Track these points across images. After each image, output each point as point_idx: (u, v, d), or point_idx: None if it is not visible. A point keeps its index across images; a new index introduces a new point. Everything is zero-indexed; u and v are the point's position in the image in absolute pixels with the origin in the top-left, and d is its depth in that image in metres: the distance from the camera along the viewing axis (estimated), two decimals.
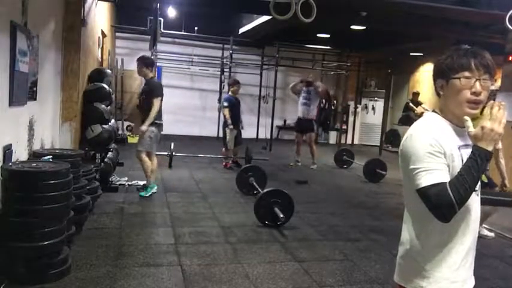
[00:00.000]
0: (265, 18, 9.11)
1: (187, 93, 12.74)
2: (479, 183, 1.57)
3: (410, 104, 11.94)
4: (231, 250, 4.15)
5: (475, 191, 1.52)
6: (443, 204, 1.45)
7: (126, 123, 11.61)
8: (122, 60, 11.56)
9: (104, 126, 5.80)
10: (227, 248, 4.19)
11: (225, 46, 12.45)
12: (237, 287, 3.40)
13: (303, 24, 5.52)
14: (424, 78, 12.83)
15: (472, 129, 1.51)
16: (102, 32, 8.39)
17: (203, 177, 7.44)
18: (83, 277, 3.32)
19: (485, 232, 4.89)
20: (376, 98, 13.84)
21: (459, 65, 1.57)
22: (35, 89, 4.13)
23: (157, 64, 11.51)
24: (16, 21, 3.48)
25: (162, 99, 5.79)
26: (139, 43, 11.90)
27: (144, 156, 5.84)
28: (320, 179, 8.07)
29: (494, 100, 1.76)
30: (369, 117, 14.11)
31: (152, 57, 10.61)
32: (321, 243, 4.54)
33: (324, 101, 13.88)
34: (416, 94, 12.13)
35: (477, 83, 1.56)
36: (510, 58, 7.79)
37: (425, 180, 1.50)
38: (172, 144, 8.24)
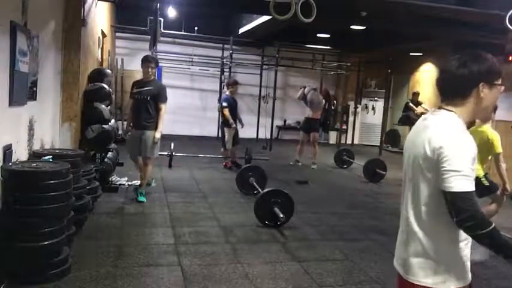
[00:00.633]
0: (265, 18, 9.11)
1: (187, 93, 12.74)
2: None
3: (410, 104, 11.93)
4: (231, 250, 4.15)
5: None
6: (474, 216, 1.52)
7: (126, 123, 11.59)
8: (122, 60, 11.56)
9: (104, 126, 5.80)
10: (227, 248, 4.19)
11: (225, 46, 12.45)
12: (237, 287, 3.40)
13: (303, 24, 5.52)
14: (424, 78, 12.82)
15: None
16: (102, 32, 8.39)
17: (203, 177, 7.44)
18: (83, 277, 3.32)
19: None
20: (376, 98, 13.84)
21: (499, 72, 1.67)
22: (35, 89, 4.13)
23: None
24: (16, 21, 3.48)
25: None
26: (139, 43, 11.90)
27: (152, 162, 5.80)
28: (320, 179, 8.07)
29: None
30: (369, 117, 14.11)
31: None
32: (321, 243, 4.54)
33: (324, 101, 13.92)
34: (416, 94, 12.12)
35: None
36: (510, 58, 7.79)
37: (464, 185, 1.54)
38: (172, 144, 8.24)
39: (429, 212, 1.67)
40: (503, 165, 4.57)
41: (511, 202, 5.62)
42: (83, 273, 3.38)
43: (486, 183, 4.52)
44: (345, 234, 4.93)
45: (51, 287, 3.12)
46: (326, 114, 14.02)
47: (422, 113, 11.54)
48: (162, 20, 9.22)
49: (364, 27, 9.01)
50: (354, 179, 8.26)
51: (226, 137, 8.11)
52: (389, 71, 12.36)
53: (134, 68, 12.45)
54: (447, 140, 1.61)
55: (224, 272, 3.63)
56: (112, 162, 6.31)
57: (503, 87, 1.68)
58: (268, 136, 11.63)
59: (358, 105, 13.76)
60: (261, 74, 12.57)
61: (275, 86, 11.85)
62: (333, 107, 14.18)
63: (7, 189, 3.13)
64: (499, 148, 4.46)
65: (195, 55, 12.42)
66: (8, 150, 3.42)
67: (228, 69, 11.76)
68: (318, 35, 11.37)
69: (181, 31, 11.62)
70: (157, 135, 5.46)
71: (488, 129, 4.51)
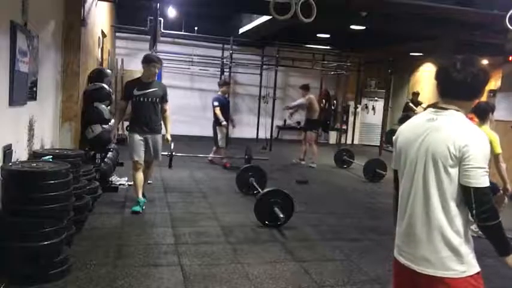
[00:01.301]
0: (265, 18, 9.11)
1: (187, 93, 12.74)
2: None
3: (410, 104, 11.94)
4: (231, 250, 4.15)
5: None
6: (491, 209, 1.69)
7: (126, 123, 11.60)
8: (122, 60, 11.56)
9: (104, 126, 5.79)
10: (227, 248, 4.19)
11: (225, 46, 12.45)
12: (237, 287, 3.40)
13: (303, 24, 5.51)
14: (424, 78, 12.83)
15: None
16: (102, 32, 8.39)
17: (203, 177, 7.44)
18: (83, 277, 3.32)
19: None
20: (376, 98, 13.84)
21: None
22: (35, 89, 4.12)
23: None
24: (16, 21, 3.48)
25: None
26: (139, 43, 11.91)
27: None
28: (320, 179, 8.07)
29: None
30: (369, 117, 14.11)
31: None
32: (321, 243, 4.54)
33: (324, 101, 13.93)
34: (416, 94, 12.13)
35: None
36: (510, 58, 7.79)
37: (487, 181, 1.70)
38: (172, 144, 8.23)
39: (453, 207, 1.76)
40: (503, 166, 4.58)
41: (511, 202, 5.61)
42: (83, 273, 3.38)
43: None
44: (345, 234, 4.93)
45: (51, 287, 3.12)
46: (326, 114, 14.05)
47: None
48: (162, 20, 9.22)
49: (364, 27, 9.01)
50: (354, 179, 8.26)
51: (219, 135, 8.17)
52: (389, 71, 12.36)
53: (134, 68, 12.46)
54: (471, 138, 1.72)
55: (224, 272, 3.63)
56: (112, 162, 6.31)
57: None
58: (268, 136, 11.63)
59: (358, 105, 13.76)
60: (261, 74, 12.58)
61: (275, 86, 11.86)
62: (333, 107, 14.19)
63: (7, 189, 3.13)
64: (498, 149, 4.47)
65: (195, 55, 12.43)
66: (8, 150, 3.42)
67: (228, 69, 11.76)
68: (318, 35, 11.37)
69: (181, 31, 11.62)
70: (169, 136, 5.35)
71: (487, 129, 4.52)
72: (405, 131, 1.94)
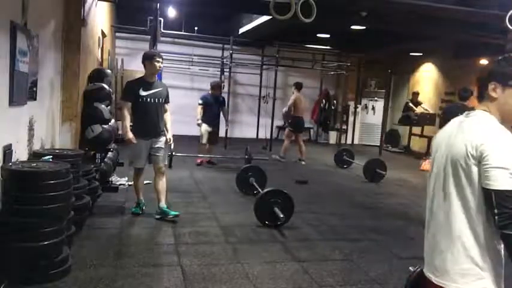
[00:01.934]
0: (265, 18, 9.11)
1: (187, 93, 12.73)
2: None
3: (410, 104, 11.94)
4: (231, 250, 4.15)
5: None
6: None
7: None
8: (122, 60, 11.55)
9: (104, 126, 5.79)
10: (227, 248, 4.19)
11: (225, 46, 12.45)
12: (237, 287, 3.40)
13: (303, 24, 5.51)
14: (424, 78, 12.83)
15: None
16: (102, 32, 8.39)
17: (203, 177, 7.44)
18: (83, 277, 3.32)
19: None
20: (376, 98, 13.84)
21: None
22: (35, 89, 4.12)
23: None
24: (16, 21, 3.48)
25: None
26: (139, 43, 11.90)
27: None
28: (320, 179, 8.07)
29: None
30: (369, 117, 14.11)
31: None
32: (321, 243, 4.54)
33: (324, 101, 13.94)
34: (416, 94, 12.13)
35: None
36: None
37: (509, 183, 1.52)
38: (173, 145, 8.23)
39: (475, 215, 1.63)
40: None
41: None
42: (83, 273, 3.38)
43: None
44: (345, 234, 4.93)
45: (51, 287, 3.12)
46: (326, 114, 14.06)
47: (422, 113, 11.59)
48: (162, 20, 9.22)
49: (364, 27, 9.01)
50: (354, 179, 8.26)
51: (200, 132, 8.33)
52: (389, 71, 12.36)
53: (134, 68, 12.47)
54: (490, 136, 1.59)
55: (224, 272, 3.63)
56: (112, 162, 6.30)
57: None
58: (268, 136, 11.62)
59: (358, 105, 13.75)
60: (261, 74, 12.57)
61: (275, 86, 11.85)
62: (333, 107, 14.18)
63: (7, 189, 3.13)
64: None
65: (195, 55, 12.43)
66: (8, 150, 3.41)
67: (228, 69, 11.76)
68: (318, 35, 11.37)
69: (181, 31, 11.62)
70: (171, 137, 5.11)
71: None
72: (438, 135, 1.86)
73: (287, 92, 13.68)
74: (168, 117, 5.12)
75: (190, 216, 5.15)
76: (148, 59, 4.84)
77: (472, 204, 1.62)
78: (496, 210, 1.52)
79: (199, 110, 8.32)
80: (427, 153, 11.08)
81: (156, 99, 4.84)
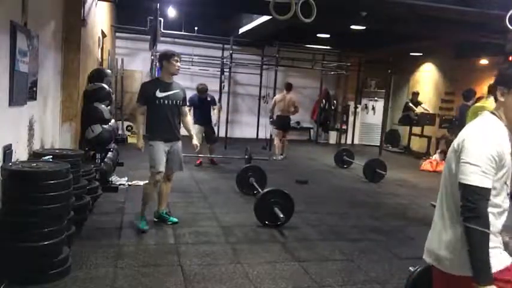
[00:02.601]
0: (265, 18, 9.11)
1: (188, 93, 12.65)
2: None
3: (410, 104, 11.93)
4: (231, 250, 4.15)
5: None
6: (477, 211, 1.60)
7: (126, 123, 11.61)
8: (122, 60, 11.55)
9: (104, 126, 5.79)
10: (227, 248, 4.19)
11: (225, 46, 12.44)
12: (237, 287, 3.40)
13: (303, 24, 5.51)
14: (424, 78, 12.84)
15: None
16: (102, 32, 8.39)
17: (203, 177, 7.44)
18: (83, 277, 3.32)
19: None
20: (376, 98, 13.84)
21: None
22: (35, 89, 4.12)
23: (157, 64, 11.50)
24: (16, 21, 3.48)
25: None
26: (139, 43, 11.91)
27: None
28: (320, 179, 8.07)
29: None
30: (369, 117, 14.11)
31: (152, 57, 10.66)
32: (321, 243, 4.54)
33: (324, 101, 13.94)
34: (416, 94, 12.12)
35: None
36: (510, 58, 7.79)
37: (478, 180, 1.62)
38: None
39: (456, 205, 1.72)
40: None
41: None
42: (83, 273, 3.38)
43: None
44: (345, 234, 4.92)
45: (51, 287, 3.12)
46: (326, 114, 14.06)
47: (422, 113, 11.59)
48: (162, 20, 9.22)
49: (364, 27, 9.01)
50: (354, 179, 8.26)
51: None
52: (389, 71, 12.36)
53: (134, 68, 12.50)
54: (471, 133, 1.70)
55: (224, 272, 3.63)
56: (112, 162, 6.31)
57: None
58: (268, 136, 11.62)
59: (358, 105, 13.76)
60: (261, 74, 12.57)
61: (275, 86, 11.85)
62: (333, 107, 14.18)
63: (7, 189, 3.13)
64: None
65: (195, 55, 12.42)
66: (8, 150, 3.42)
67: (228, 69, 11.75)
68: (318, 35, 11.37)
69: (181, 31, 11.61)
70: (196, 141, 5.01)
71: (491, 105, 4.61)
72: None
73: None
74: (189, 121, 5.02)
75: (190, 216, 5.15)
76: (166, 58, 4.59)
77: (449, 197, 1.75)
78: (461, 203, 1.63)
79: (186, 110, 8.32)
80: (427, 153, 11.09)
81: (173, 101, 4.61)
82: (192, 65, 12.52)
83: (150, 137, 4.55)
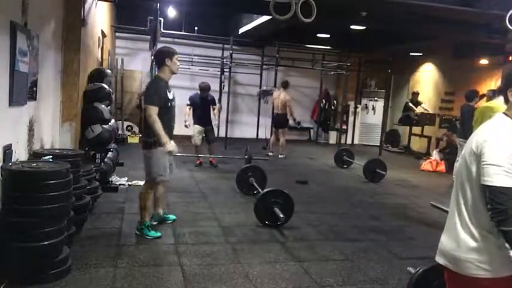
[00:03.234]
0: (265, 18, 9.11)
1: (187, 93, 12.69)
2: None
3: (410, 104, 11.93)
4: (231, 250, 4.15)
5: None
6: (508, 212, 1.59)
7: (126, 123, 11.61)
8: (122, 60, 11.55)
9: (104, 126, 5.80)
10: (227, 248, 4.19)
11: (225, 46, 12.44)
12: (237, 287, 3.40)
13: (303, 24, 5.51)
14: (424, 78, 12.83)
15: None
16: (102, 32, 8.39)
17: (203, 177, 7.44)
18: (83, 277, 3.32)
19: None
20: (376, 98, 13.84)
21: None
22: (35, 89, 4.13)
23: (157, 61, 11.50)
24: (16, 21, 3.48)
25: None
26: (139, 43, 11.91)
27: None
28: (320, 179, 8.07)
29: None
30: (369, 117, 14.11)
31: (152, 57, 10.65)
32: (321, 243, 4.54)
33: (324, 101, 13.94)
34: (416, 94, 12.12)
35: None
36: (510, 58, 7.79)
37: (503, 180, 1.61)
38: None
39: (476, 209, 1.72)
40: None
41: None
42: (83, 273, 3.38)
43: None
44: (345, 234, 4.92)
45: (51, 287, 3.12)
46: (326, 114, 14.05)
47: (422, 113, 11.59)
48: (162, 20, 9.22)
49: (364, 27, 9.01)
50: (354, 179, 8.26)
51: (192, 133, 8.35)
52: (389, 71, 12.36)
53: (134, 68, 12.49)
54: (491, 134, 1.69)
55: (224, 272, 3.63)
56: (112, 162, 6.31)
57: None
58: (268, 136, 11.62)
59: (358, 105, 13.76)
60: (261, 74, 12.57)
61: (275, 86, 11.85)
62: (332, 107, 14.18)
63: (7, 189, 3.13)
64: None
65: (195, 55, 12.42)
66: (8, 150, 3.42)
67: (228, 69, 11.75)
68: (318, 35, 11.37)
69: (181, 31, 11.61)
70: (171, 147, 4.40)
71: (498, 105, 4.67)
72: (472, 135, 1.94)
73: (287, 92, 13.67)
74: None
75: (190, 216, 5.16)
76: (169, 56, 4.25)
77: (469, 200, 1.73)
78: (489, 206, 1.62)
79: (186, 110, 8.33)
80: (427, 153, 11.08)
81: (175, 103, 4.36)
82: (192, 65, 12.53)
83: (155, 143, 4.16)
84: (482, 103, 6.45)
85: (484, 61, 10.25)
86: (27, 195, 3.11)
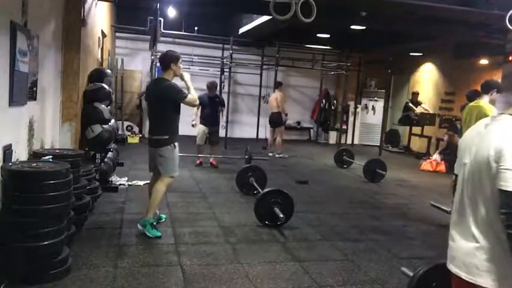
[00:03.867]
0: (265, 18, 9.12)
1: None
2: None
3: (410, 104, 11.93)
4: (231, 250, 4.15)
5: None
6: None
7: (126, 123, 11.61)
8: (122, 60, 11.55)
9: (104, 126, 5.79)
10: (227, 248, 4.19)
11: (225, 46, 12.44)
12: (237, 287, 3.40)
13: (303, 24, 5.52)
14: (424, 78, 12.83)
15: None
16: (102, 32, 8.39)
17: (203, 177, 7.44)
18: (83, 277, 3.32)
19: None
20: (376, 98, 13.84)
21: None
22: (35, 89, 4.13)
23: (157, 64, 11.49)
24: (16, 21, 3.48)
25: None
26: (139, 43, 11.92)
27: None
28: (320, 179, 8.07)
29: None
30: (369, 117, 14.11)
31: (152, 57, 10.66)
32: (321, 243, 4.54)
33: (324, 101, 13.94)
34: (415, 94, 12.12)
35: None
36: (510, 58, 7.80)
37: None
38: None
39: (491, 215, 1.67)
40: None
41: None
42: (83, 273, 3.38)
43: None
44: (345, 234, 4.92)
45: (51, 287, 3.12)
46: (326, 114, 14.06)
47: (422, 113, 11.59)
48: (162, 20, 9.22)
49: (364, 27, 9.02)
50: (354, 179, 8.26)
51: (197, 132, 8.38)
52: (389, 71, 12.36)
53: (134, 68, 12.50)
54: (508, 140, 1.64)
55: (224, 272, 3.63)
56: (112, 162, 6.31)
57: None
58: (268, 136, 11.62)
59: (358, 105, 13.76)
60: (261, 74, 12.58)
61: (275, 86, 11.85)
62: (332, 107, 14.19)
63: (7, 189, 3.13)
64: None
65: (195, 55, 12.42)
66: (8, 150, 3.42)
67: (228, 69, 11.75)
68: (318, 35, 11.37)
69: (181, 31, 11.62)
70: None
71: (486, 104, 4.76)
72: (466, 137, 1.90)
73: (287, 92, 13.67)
74: None
75: (190, 216, 5.16)
76: (175, 61, 4.61)
77: (491, 204, 1.66)
78: (502, 210, 1.58)
79: (194, 110, 8.28)
80: (427, 153, 11.08)
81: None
82: (192, 65, 12.52)
83: (171, 140, 4.41)
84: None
85: (484, 61, 10.25)
86: (27, 195, 3.11)
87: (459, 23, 7.37)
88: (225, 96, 12.12)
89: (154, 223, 4.56)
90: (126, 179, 6.58)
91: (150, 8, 8.88)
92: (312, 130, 14.53)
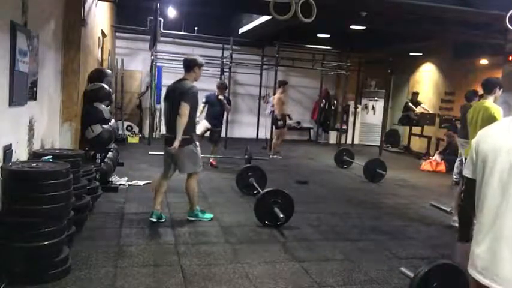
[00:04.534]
0: (265, 18, 9.11)
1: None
2: None
3: (410, 104, 11.93)
4: (231, 250, 4.15)
5: None
6: None
7: (126, 123, 11.61)
8: (122, 60, 11.55)
9: (104, 126, 5.79)
10: (227, 248, 4.19)
11: (225, 46, 12.44)
12: (237, 287, 3.40)
13: (303, 24, 5.51)
14: (424, 78, 12.83)
15: None
16: (102, 32, 8.39)
17: (203, 177, 7.42)
18: (83, 277, 3.32)
19: None
20: (376, 98, 13.84)
21: None
22: (35, 89, 4.13)
23: (158, 64, 11.51)
24: (16, 21, 3.48)
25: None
26: (139, 43, 11.91)
27: None
28: (320, 179, 8.06)
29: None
30: (369, 117, 14.11)
31: (152, 57, 10.67)
32: (321, 243, 4.54)
33: (324, 101, 13.94)
34: (415, 94, 12.12)
35: None
36: (510, 58, 7.79)
37: None
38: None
39: None
40: None
41: None
42: (83, 273, 3.38)
43: None
44: (345, 234, 4.92)
45: (51, 287, 3.12)
46: (326, 114, 14.06)
47: (422, 113, 11.59)
48: (162, 20, 9.22)
49: (364, 27, 9.01)
50: (354, 179, 8.26)
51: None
52: (389, 71, 12.36)
53: (134, 68, 12.50)
54: None
55: (224, 272, 3.63)
56: (112, 162, 6.31)
57: None
58: (268, 136, 11.62)
59: (358, 105, 13.75)
60: (261, 74, 12.57)
61: (275, 86, 11.84)
62: (332, 107, 14.19)
63: (7, 189, 3.13)
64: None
65: (195, 55, 12.44)
66: (8, 150, 3.42)
67: (228, 69, 11.75)
68: (318, 35, 11.37)
69: (181, 31, 11.62)
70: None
71: (492, 104, 4.74)
72: (492, 136, 1.76)
73: (287, 92, 13.68)
74: None
75: None
76: (199, 65, 4.90)
77: None
78: None
79: (200, 108, 8.33)
80: (427, 153, 11.09)
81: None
82: None
83: (193, 138, 4.74)
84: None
85: (484, 61, 10.25)
86: (27, 195, 3.11)
87: (459, 23, 7.37)
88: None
89: (154, 220, 4.70)
90: (126, 179, 6.58)
91: (150, 8, 8.89)
92: (312, 130, 14.53)
